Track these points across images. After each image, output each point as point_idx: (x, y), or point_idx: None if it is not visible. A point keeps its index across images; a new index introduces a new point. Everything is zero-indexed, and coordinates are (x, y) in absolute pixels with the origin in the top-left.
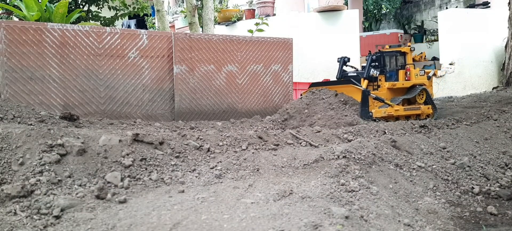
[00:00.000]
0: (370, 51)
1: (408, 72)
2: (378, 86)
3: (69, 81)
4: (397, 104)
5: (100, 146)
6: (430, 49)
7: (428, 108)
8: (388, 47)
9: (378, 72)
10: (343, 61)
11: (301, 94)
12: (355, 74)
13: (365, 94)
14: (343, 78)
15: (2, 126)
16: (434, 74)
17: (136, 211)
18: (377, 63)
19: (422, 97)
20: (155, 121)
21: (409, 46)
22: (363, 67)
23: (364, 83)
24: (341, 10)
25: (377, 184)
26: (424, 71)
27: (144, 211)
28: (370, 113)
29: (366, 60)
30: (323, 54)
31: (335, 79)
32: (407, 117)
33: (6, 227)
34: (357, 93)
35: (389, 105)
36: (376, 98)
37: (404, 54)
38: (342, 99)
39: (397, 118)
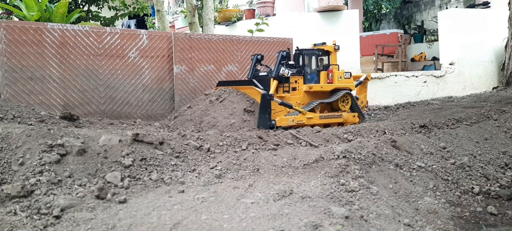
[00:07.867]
0: (289, 48)
1: (330, 74)
2: (293, 88)
3: (69, 81)
4: (310, 110)
5: (100, 146)
6: (430, 49)
7: (353, 116)
8: (313, 45)
9: (290, 72)
10: (256, 59)
11: (204, 94)
12: (265, 73)
13: (265, 98)
14: (254, 78)
15: (2, 126)
16: (367, 78)
17: (136, 211)
18: (294, 63)
19: (347, 103)
20: (155, 120)
21: (334, 44)
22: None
23: (274, 84)
24: (341, 10)
25: (377, 184)
26: (350, 74)
27: (144, 211)
28: (272, 122)
29: (277, 58)
30: None
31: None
32: (326, 126)
33: (6, 227)
34: (259, 96)
35: (299, 112)
36: (282, 104)
37: (327, 53)
38: (222, 97)
39: (312, 127)
